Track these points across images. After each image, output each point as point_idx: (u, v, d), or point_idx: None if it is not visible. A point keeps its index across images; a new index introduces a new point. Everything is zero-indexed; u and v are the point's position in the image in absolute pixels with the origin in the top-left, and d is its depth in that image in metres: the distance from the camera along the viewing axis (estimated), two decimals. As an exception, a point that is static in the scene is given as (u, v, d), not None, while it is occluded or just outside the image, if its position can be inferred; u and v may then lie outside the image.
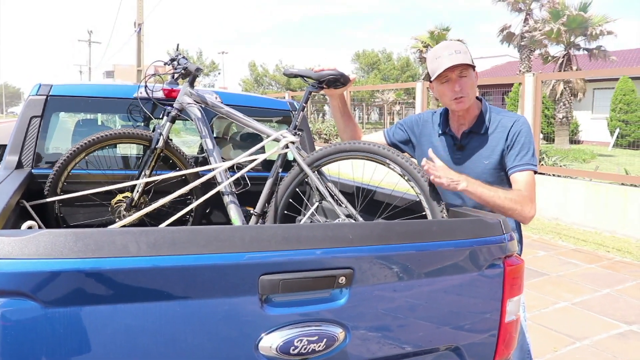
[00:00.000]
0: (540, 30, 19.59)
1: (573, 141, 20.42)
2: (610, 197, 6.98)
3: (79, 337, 1.20)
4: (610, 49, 19.94)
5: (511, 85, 19.77)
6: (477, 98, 2.27)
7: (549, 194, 7.73)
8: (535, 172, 2.15)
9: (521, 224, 2.23)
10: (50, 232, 1.20)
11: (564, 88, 19.22)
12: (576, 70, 19.12)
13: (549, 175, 7.95)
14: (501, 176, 2.19)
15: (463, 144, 2.24)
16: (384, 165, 2.04)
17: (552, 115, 20.07)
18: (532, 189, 2.10)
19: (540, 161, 8.38)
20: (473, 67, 2.15)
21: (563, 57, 19.60)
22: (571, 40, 19.34)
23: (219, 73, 51.38)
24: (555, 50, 20.41)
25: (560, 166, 8.98)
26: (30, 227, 1.72)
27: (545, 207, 7.76)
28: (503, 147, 2.17)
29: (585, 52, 19.73)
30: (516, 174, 2.12)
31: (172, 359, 1.29)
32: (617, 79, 19.63)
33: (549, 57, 20.36)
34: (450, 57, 2.10)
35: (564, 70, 18.78)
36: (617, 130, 19.28)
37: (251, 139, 3.34)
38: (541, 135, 13.48)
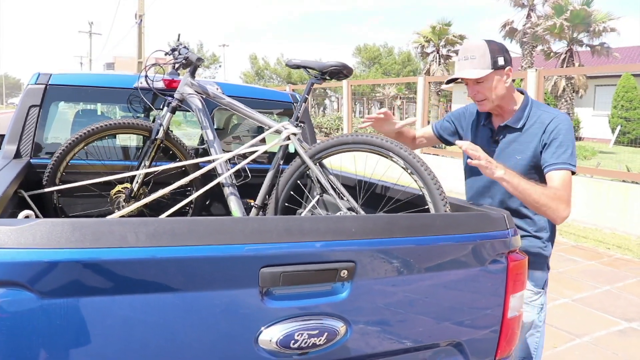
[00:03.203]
0: (542, 26, 19.52)
1: (574, 138, 20.39)
2: (611, 194, 6.96)
3: (76, 329, 1.18)
4: (613, 46, 19.89)
5: (513, 81, 19.75)
6: (520, 92, 2.24)
7: (550, 190, 7.71)
8: (573, 173, 2.07)
9: (555, 225, 2.19)
10: (47, 221, 1.18)
11: (566, 84, 19.21)
12: (578, 66, 19.06)
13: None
14: (532, 175, 2.11)
15: (498, 137, 2.22)
16: (387, 158, 2.02)
17: (554, 112, 20.03)
18: (568, 188, 2.02)
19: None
20: (495, 69, 2.08)
21: (565, 53, 19.56)
22: (574, 36, 19.28)
23: (220, 66, 51.28)
24: (558, 46, 20.37)
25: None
26: (27, 217, 1.69)
27: (545, 204, 7.74)
28: (538, 143, 2.11)
29: (588, 49, 19.69)
30: (552, 172, 2.05)
31: (170, 351, 1.27)
32: (619, 76, 19.56)
33: (552, 53, 20.32)
34: (460, 64, 2.11)
35: (567, 67, 18.73)
36: (619, 128, 19.25)
37: (253, 131, 3.32)
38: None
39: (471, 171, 2.27)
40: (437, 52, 26.20)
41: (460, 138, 2.38)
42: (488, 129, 2.27)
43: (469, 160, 1.91)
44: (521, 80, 8.87)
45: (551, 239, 2.25)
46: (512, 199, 2.15)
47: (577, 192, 7.32)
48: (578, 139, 20.88)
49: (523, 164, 2.12)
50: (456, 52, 27.83)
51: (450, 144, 2.46)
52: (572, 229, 7.03)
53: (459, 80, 2.15)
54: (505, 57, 2.12)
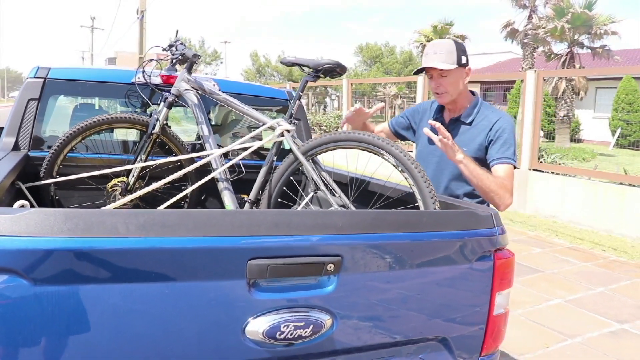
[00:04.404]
0: (544, 28, 19.51)
1: (574, 140, 20.40)
2: (608, 196, 6.99)
3: (68, 315, 1.21)
4: (614, 48, 19.87)
5: (513, 82, 19.72)
6: (471, 92, 2.50)
7: (547, 191, 7.73)
8: (515, 168, 2.33)
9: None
10: (41, 210, 1.21)
11: (566, 86, 19.18)
12: (579, 68, 19.06)
13: (547, 172, 7.95)
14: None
15: (449, 129, 2.39)
16: (378, 155, 2.04)
17: (554, 113, 20.03)
18: (511, 180, 2.28)
19: (539, 159, 8.38)
20: (460, 65, 2.32)
21: (566, 55, 19.53)
22: (575, 38, 19.26)
23: (221, 62, 51.29)
24: (559, 48, 20.34)
25: (560, 164, 8.98)
26: (22, 207, 1.72)
27: (542, 205, 7.77)
28: (484, 139, 2.36)
29: (589, 51, 19.66)
30: (498, 165, 2.30)
31: (159, 340, 1.30)
32: (620, 79, 19.56)
33: (552, 55, 20.28)
34: (430, 57, 2.34)
35: (567, 69, 18.72)
36: (619, 130, 19.25)
37: (249, 128, 3.34)
38: (541, 133, 13.47)
39: (421, 159, 2.48)
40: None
41: (414, 132, 2.67)
42: (440, 122, 2.45)
43: (438, 138, 2.12)
44: (521, 81, 8.90)
45: None
46: (457, 186, 2.42)
47: (573, 194, 7.35)
48: (578, 141, 20.89)
49: (468, 155, 2.31)
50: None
51: (404, 139, 2.75)
52: (568, 230, 7.05)
53: (430, 76, 2.39)
54: (467, 58, 2.38)
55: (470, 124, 2.42)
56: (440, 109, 2.54)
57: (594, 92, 22.24)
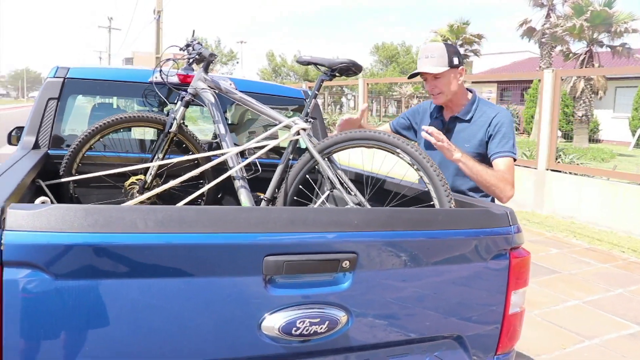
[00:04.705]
0: (562, 26, 19.29)
1: (592, 140, 20.13)
2: (627, 197, 6.88)
3: (87, 309, 1.23)
4: (635, 47, 19.57)
5: (531, 81, 19.53)
6: (469, 90, 2.58)
7: (564, 192, 7.65)
8: (515, 160, 2.41)
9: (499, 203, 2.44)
10: (62, 206, 1.23)
11: (585, 85, 18.95)
12: (598, 67, 18.81)
13: (565, 173, 7.87)
14: (478, 161, 2.35)
15: (449, 127, 2.54)
16: (394, 154, 2.05)
17: (572, 113, 19.79)
18: (512, 173, 2.36)
19: (557, 158, 8.29)
20: (452, 67, 2.41)
21: (585, 54, 19.28)
22: (594, 36, 19.01)
23: (237, 62, 51.51)
24: (577, 47, 20.10)
25: (578, 164, 8.87)
26: (43, 203, 1.75)
27: (560, 205, 7.69)
28: (484, 134, 2.45)
29: (609, 50, 19.39)
30: (498, 159, 2.38)
31: (176, 334, 1.31)
32: (640, 78, 19.30)
33: (571, 54, 20.04)
34: (422, 61, 2.45)
35: (586, 68, 18.49)
36: (639, 131, 18.96)
37: (265, 126, 3.36)
38: (559, 133, 13.32)
39: None
40: (455, 52, 25.96)
41: (415, 132, 2.76)
42: (440, 121, 2.60)
43: (434, 141, 2.18)
44: (539, 80, 8.81)
45: None
46: (461, 182, 2.48)
47: (592, 194, 7.26)
48: (596, 141, 20.62)
49: (470, 151, 2.42)
50: (474, 51, 27.66)
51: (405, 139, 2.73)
52: (587, 231, 6.97)
53: (424, 79, 2.50)
54: (459, 59, 2.46)
55: (469, 121, 2.50)
56: (440, 108, 2.62)
57: (613, 91, 21.93)
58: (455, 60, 2.43)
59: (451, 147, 2.22)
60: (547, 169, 7.96)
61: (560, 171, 7.90)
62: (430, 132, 2.18)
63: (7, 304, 1.18)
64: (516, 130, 21.61)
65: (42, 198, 1.80)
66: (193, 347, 1.33)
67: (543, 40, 21.48)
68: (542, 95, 8.22)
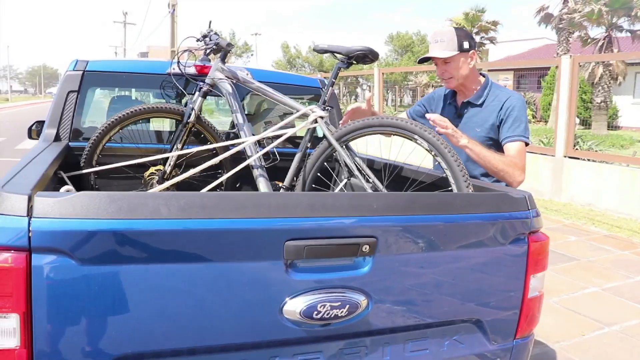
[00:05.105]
0: (580, 12, 18.96)
1: (611, 127, 19.82)
2: (647, 184, 6.79)
3: (112, 294, 1.26)
4: (655, 31, 19.18)
5: (548, 68, 19.25)
6: (482, 74, 2.57)
7: (583, 179, 7.56)
8: (527, 144, 2.39)
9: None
10: (87, 193, 1.27)
11: (604, 71, 18.64)
12: (617, 53, 18.48)
13: (584, 160, 7.77)
14: (489, 145, 2.39)
15: (461, 112, 2.54)
16: (412, 140, 2.05)
17: (590, 100, 19.50)
18: (523, 157, 2.34)
19: (574, 145, 8.20)
20: (462, 51, 2.40)
21: (604, 39, 18.96)
22: (613, 21, 18.66)
23: (252, 54, 51.55)
24: (596, 32, 19.76)
25: (596, 151, 8.76)
26: (68, 191, 1.79)
27: (578, 193, 7.61)
28: (495, 118, 2.43)
29: (629, 34, 19.03)
30: (509, 143, 2.36)
31: (199, 319, 1.34)
32: (661, 63, 18.92)
33: (589, 40, 19.71)
34: (432, 46, 2.45)
35: (605, 53, 18.18)
36: (659, 116, 18.63)
37: (282, 115, 3.38)
38: (577, 120, 13.14)
39: None
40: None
41: None
42: (453, 106, 2.60)
43: (437, 129, 2.15)
44: (556, 67, 8.70)
45: None
46: (474, 168, 2.41)
47: (610, 181, 7.17)
48: (615, 127, 20.30)
49: (482, 135, 2.42)
50: (490, 39, 27.35)
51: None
52: (606, 218, 6.89)
53: (435, 63, 2.50)
54: (470, 43, 2.44)
55: (481, 105, 2.49)
56: (453, 93, 2.62)
57: (633, 77, 21.52)
58: (466, 45, 2.41)
59: (457, 133, 2.20)
60: (565, 156, 7.88)
61: (578, 158, 7.81)
62: (432, 120, 2.18)
63: (37, 288, 1.21)
64: (533, 117, 21.37)
65: (67, 187, 1.84)
66: (215, 330, 1.36)
67: (560, 26, 21.14)
68: (559, 82, 8.11)
